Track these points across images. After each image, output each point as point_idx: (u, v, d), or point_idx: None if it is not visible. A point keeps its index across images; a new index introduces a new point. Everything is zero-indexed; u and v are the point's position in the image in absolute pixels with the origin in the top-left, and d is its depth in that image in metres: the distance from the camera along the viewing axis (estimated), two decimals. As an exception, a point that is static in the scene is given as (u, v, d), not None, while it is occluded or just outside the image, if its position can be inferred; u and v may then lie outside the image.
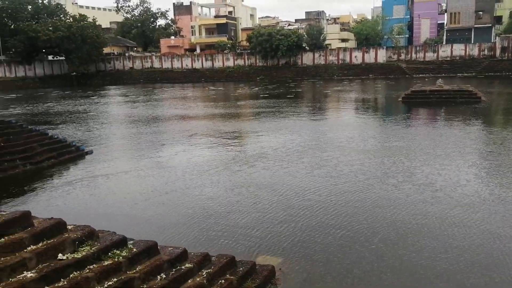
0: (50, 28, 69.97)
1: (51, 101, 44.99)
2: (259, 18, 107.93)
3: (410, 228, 9.10)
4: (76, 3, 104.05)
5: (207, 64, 76.87)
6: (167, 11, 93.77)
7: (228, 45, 79.76)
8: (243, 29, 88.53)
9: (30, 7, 75.87)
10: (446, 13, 73.14)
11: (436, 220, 9.44)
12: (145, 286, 5.60)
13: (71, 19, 76.17)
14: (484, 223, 9.20)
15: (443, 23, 76.10)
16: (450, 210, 9.96)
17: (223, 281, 6.43)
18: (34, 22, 72.17)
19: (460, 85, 37.26)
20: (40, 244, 5.35)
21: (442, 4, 77.29)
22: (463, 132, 19.79)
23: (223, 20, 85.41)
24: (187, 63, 77.93)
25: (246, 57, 75.34)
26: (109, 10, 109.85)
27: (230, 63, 75.94)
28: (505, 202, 10.40)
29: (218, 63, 76.49)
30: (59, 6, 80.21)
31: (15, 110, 36.63)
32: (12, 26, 72.38)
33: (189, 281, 6.12)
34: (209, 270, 6.45)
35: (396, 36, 75.46)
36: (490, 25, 69.74)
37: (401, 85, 48.78)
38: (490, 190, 11.33)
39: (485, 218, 9.49)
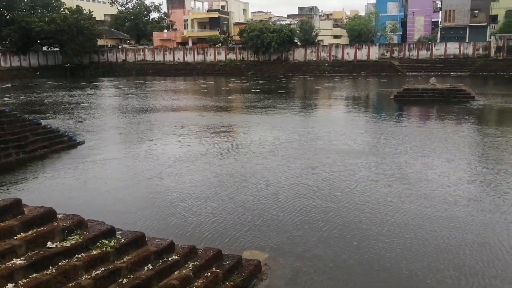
0: (46, 19, 69.89)
1: (45, 92, 44.85)
2: (251, 13, 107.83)
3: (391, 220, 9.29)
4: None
5: (199, 57, 76.82)
6: (160, 4, 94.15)
7: (220, 39, 79.65)
8: (236, 24, 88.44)
9: None
10: (440, 11, 73.10)
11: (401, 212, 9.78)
12: (132, 276, 5.68)
13: (66, 10, 75.93)
14: (445, 216, 9.52)
15: (438, 21, 76.06)
16: (412, 203, 10.32)
17: (209, 274, 6.49)
18: (30, 13, 71.73)
19: (453, 84, 37.19)
20: (30, 232, 5.44)
21: (437, 2, 77.43)
22: (451, 131, 19.84)
23: (216, 14, 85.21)
24: (179, 56, 77.84)
25: (238, 51, 75.26)
26: (103, 2, 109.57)
27: (222, 57, 75.87)
28: (470, 197, 10.69)
29: (210, 57, 76.42)
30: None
31: (10, 100, 36.46)
32: (8, 17, 72.04)
33: (175, 272, 6.20)
34: (195, 263, 6.52)
35: (390, 33, 75.56)
36: (485, 24, 69.61)
37: (394, 82, 48.93)
38: (458, 185, 11.54)
39: (447, 209, 9.86)
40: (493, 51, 63.76)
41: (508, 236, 8.50)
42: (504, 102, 30.44)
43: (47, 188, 12.10)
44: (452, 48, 66.13)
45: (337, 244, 8.28)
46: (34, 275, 4.96)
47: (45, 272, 5.03)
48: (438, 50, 66.90)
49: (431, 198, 10.62)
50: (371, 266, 7.51)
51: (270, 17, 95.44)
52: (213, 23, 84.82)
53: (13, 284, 4.73)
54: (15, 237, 5.26)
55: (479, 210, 9.86)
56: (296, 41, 73.17)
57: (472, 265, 7.45)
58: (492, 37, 65.77)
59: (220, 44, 78.45)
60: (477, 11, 69.63)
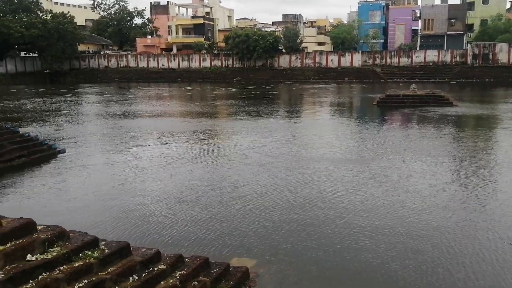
0: (24, 21, 68.18)
1: (23, 99, 44.02)
2: (236, 19, 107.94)
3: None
4: (51, 0, 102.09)
5: (184, 64, 76.56)
6: (143, 10, 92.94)
7: (205, 45, 79.52)
8: (220, 30, 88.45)
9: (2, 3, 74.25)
10: (420, 20, 74.55)
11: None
12: (116, 287, 5.53)
13: (49, 15, 74.39)
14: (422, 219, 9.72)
15: (417, 29, 77.52)
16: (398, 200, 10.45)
17: (196, 282, 6.38)
18: (10, 18, 70.12)
19: (433, 90, 37.95)
20: (8, 244, 5.24)
21: (416, 11, 78.85)
22: (431, 136, 20.23)
23: (201, 21, 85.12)
24: (163, 62, 77.45)
25: (223, 58, 75.27)
26: (85, 7, 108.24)
27: (207, 63, 75.78)
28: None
29: (194, 64, 76.24)
30: (34, 1, 78.58)
31: (-15, 107, 35.77)
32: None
33: (162, 282, 6.07)
34: (182, 272, 6.40)
35: (372, 41, 76.50)
36: (462, 32, 71.41)
37: (376, 89, 49.45)
38: (434, 190, 11.77)
39: (424, 212, 9.97)
40: (469, 58, 65.34)
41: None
42: (480, 107, 31.13)
43: (26, 199, 11.80)
44: (431, 55, 67.46)
45: (321, 248, 8.35)
46: (13, 289, 4.76)
47: (24, 286, 4.87)
48: (418, 57, 68.07)
49: (409, 202, 10.82)
50: (356, 268, 7.68)
51: (255, 24, 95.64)
52: (198, 29, 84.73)
53: (-9, 299, 4.52)
54: (-8, 251, 5.05)
55: (453, 212, 10.09)
56: (281, 47, 73.51)
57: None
58: (469, 45, 67.46)
59: (205, 50, 78.31)
60: (454, 20, 71.31)
